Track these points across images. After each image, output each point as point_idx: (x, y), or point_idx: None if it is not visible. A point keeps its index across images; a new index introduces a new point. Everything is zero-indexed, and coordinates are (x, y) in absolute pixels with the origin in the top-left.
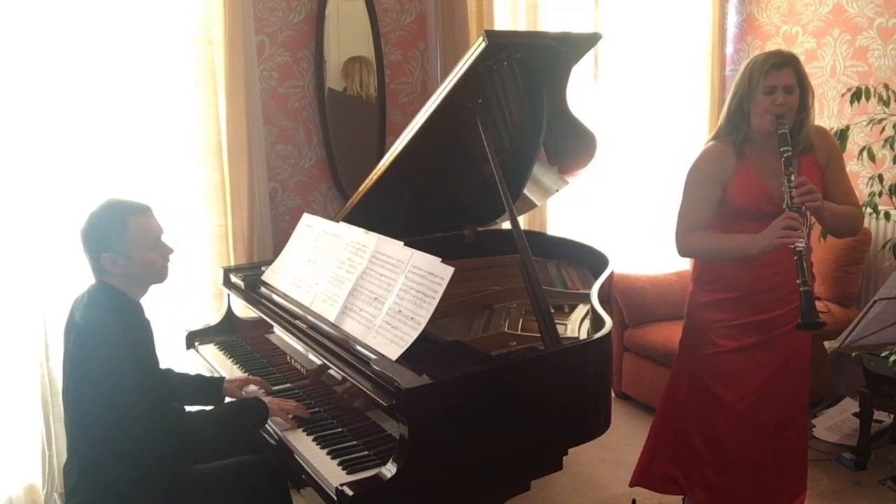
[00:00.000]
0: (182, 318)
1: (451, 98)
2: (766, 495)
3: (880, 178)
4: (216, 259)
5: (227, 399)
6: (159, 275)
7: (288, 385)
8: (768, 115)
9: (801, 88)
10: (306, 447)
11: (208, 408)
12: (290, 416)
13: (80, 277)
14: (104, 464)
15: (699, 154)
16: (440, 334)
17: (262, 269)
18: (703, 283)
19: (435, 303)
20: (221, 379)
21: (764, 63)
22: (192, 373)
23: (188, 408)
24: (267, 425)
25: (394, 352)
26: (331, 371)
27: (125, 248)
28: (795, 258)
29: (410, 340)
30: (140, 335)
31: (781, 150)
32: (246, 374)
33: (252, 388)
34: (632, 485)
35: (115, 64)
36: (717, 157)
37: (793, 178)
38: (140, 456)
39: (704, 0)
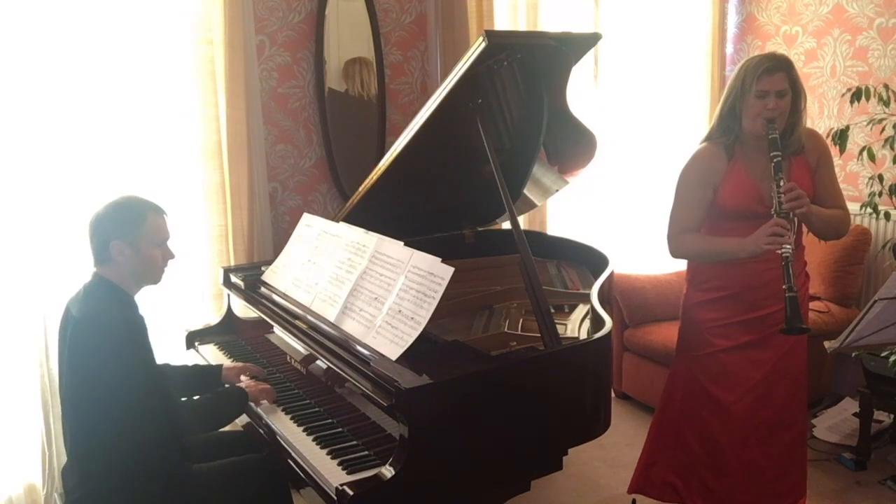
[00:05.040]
0: (182, 318)
1: (451, 98)
2: (766, 499)
3: (880, 178)
4: (216, 259)
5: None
6: (156, 275)
7: (288, 384)
8: (760, 120)
9: (793, 92)
10: (306, 447)
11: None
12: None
13: (80, 278)
14: (104, 462)
15: (691, 156)
16: (440, 334)
17: (262, 269)
18: (696, 283)
19: (435, 303)
20: (219, 366)
21: (757, 67)
22: (190, 364)
23: None
24: (261, 425)
25: (394, 352)
26: (327, 369)
27: (137, 239)
28: (782, 264)
29: (410, 340)
30: (136, 327)
31: (771, 154)
32: (242, 364)
33: (246, 379)
34: (630, 492)
35: (115, 64)
36: (709, 159)
37: (781, 183)
38: (139, 452)
39: (704, 0)
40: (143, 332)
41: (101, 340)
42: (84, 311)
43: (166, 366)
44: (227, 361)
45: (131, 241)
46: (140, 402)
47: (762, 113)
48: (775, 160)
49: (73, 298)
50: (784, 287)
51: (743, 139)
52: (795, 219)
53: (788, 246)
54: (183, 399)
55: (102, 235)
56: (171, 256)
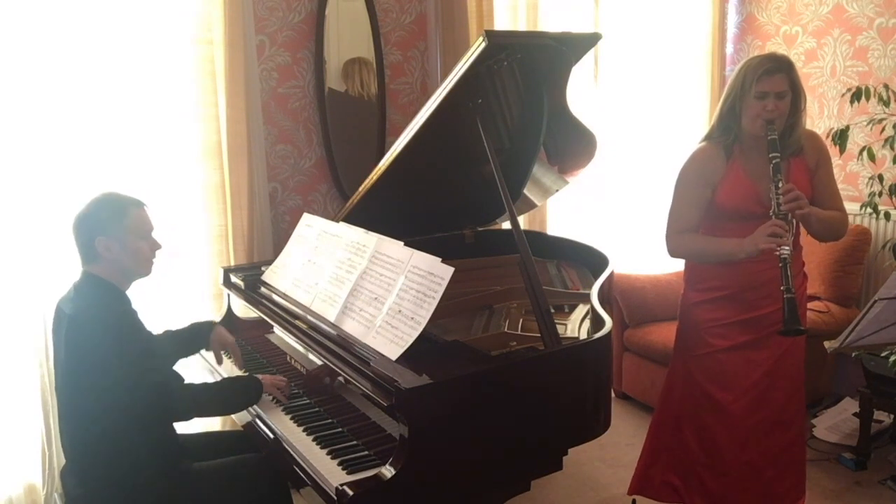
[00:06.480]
0: (182, 318)
1: (451, 98)
2: (765, 499)
3: (880, 178)
4: (216, 259)
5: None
6: (145, 267)
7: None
8: (759, 120)
9: (793, 93)
10: (306, 447)
11: (209, 381)
12: (282, 393)
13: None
14: (102, 460)
15: (689, 156)
16: (440, 334)
17: (262, 269)
18: (693, 283)
19: (435, 303)
20: (210, 323)
21: (757, 68)
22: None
23: (188, 380)
24: (261, 425)
25: (394, 352)
26: (327, 369)
27: (121, 234)
28: (780, 265)
29: (410, 340)
30: (129, 320)
31: (770, 156)
32: (232, 339)
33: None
34: (630, 493)
35: (115, 64)
36: (707, 159)
37: (780, 184)
38: (136, 448)
39: (704, 0)
40: (137, 323)
41: (96, 335)
42: (76, 307)
43: (164, 333)
44: (227, 362)
45: (116, 236)
46: (137, 396)
47: (761, 114)
48: (774, 161)
49: (63, 298)
50: (782, 289)
51: (742, 139)
52: (793, 220)
53: (787, 247)
54: (196, 383)
55: (87, 234)
56: (158, 247)
